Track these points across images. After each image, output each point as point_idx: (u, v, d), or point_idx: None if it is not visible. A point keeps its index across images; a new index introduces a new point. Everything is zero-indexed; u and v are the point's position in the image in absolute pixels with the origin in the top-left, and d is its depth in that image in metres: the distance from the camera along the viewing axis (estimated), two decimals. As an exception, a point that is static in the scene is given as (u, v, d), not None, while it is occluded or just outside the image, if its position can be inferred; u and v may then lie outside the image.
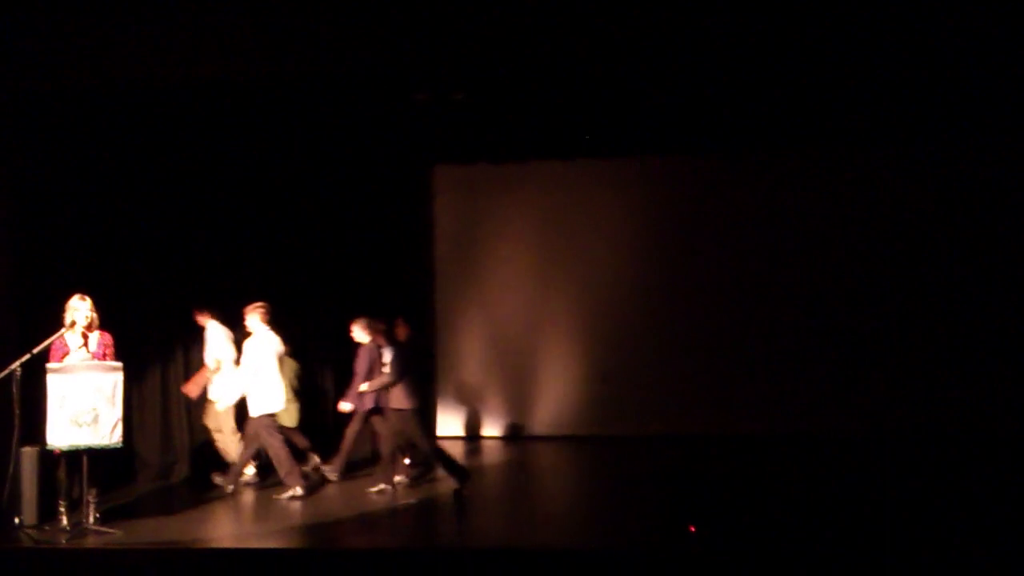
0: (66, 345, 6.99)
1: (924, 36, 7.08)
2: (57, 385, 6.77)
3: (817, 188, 10.76)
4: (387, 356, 8.22)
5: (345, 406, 8.58)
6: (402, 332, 8.73)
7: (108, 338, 7.13)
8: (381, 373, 8.23)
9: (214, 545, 6.94)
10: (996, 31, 6.97)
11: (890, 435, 10.09)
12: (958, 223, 10.46)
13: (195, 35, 7.22)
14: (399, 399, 8.18)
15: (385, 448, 8.46)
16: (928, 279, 10.49)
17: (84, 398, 6.79)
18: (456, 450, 10.59)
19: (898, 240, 10.62)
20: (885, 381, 10.46)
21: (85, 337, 7.02)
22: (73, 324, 6.98)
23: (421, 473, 8.82)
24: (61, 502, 7.06)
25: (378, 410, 8.59)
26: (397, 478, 8.42)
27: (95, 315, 7.08)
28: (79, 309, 7.01)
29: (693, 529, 6.54)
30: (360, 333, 8.48)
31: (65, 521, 6.98)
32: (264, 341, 8.33)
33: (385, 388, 8.25)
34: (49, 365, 6.84)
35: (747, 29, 7.07)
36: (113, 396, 6.88)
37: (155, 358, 9.29)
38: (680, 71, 8.10)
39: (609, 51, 7.54)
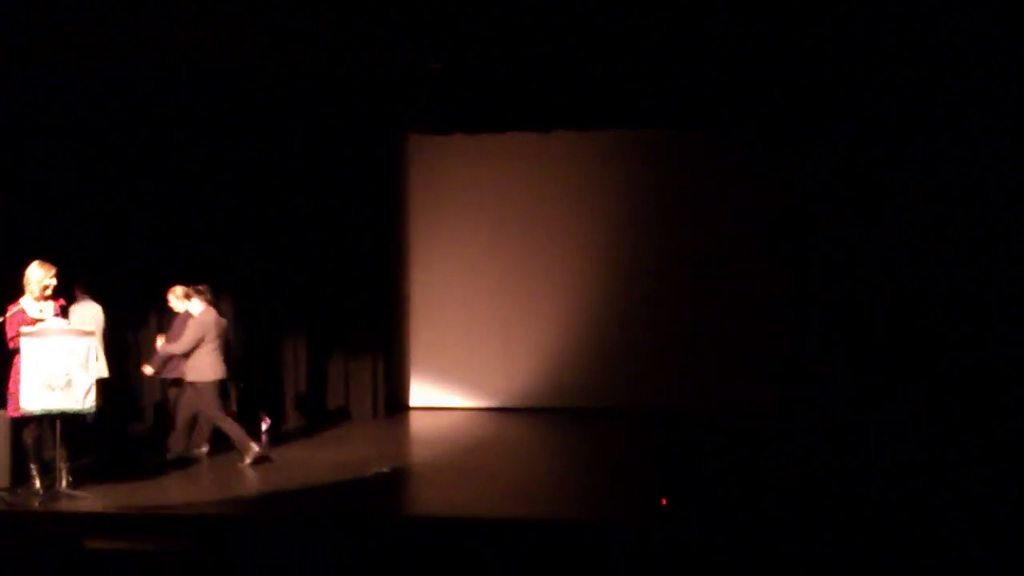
0: (24, 314, 6.92)
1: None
2: (31, 349, 6.73)
3: (805, 165, 10.75)
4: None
5: (147, 370, 8.58)
6: (200, 300, 8.31)
7: (60, 303, 7.11)
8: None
9: (185, 510, 6.94)
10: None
11: (881, 419, 10.09)
12: (957, 211, 10.43)
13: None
14: (197, 370, 8.07)
15: (181, 416, 8.42)
16: (926, 262, 10.49)
17: (58, 363, 6.76)
18: (430, 421, 10.69)
19: (896, 222, 10.61)
20: (877, 365, 10.50)
21: (43, 304, 6.95)
22: (37, 291, 6.93)
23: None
24: (33, 466, 7.03)
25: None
26: (200, 449, 8.40)
27: (53, 282, 7.00)
28: (37, 276, 6.96)
29: (664, 502, 6.62)
30: (176, 302, 8.39)
31: (38, 484, 6.96)
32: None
33: (178, 356, 8.15)
34: (23, 329, 6.79)
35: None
36: (87, 361, 6.86)
37: (128, 321, 9.23)
38: (663, 44, 8.10)
39: (590, 21, 7.55)
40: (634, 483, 7.66)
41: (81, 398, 6.84)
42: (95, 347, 6.98)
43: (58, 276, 7.03)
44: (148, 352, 9.27)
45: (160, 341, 8.48)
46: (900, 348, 10.49)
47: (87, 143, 8.87)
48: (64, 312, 7.13)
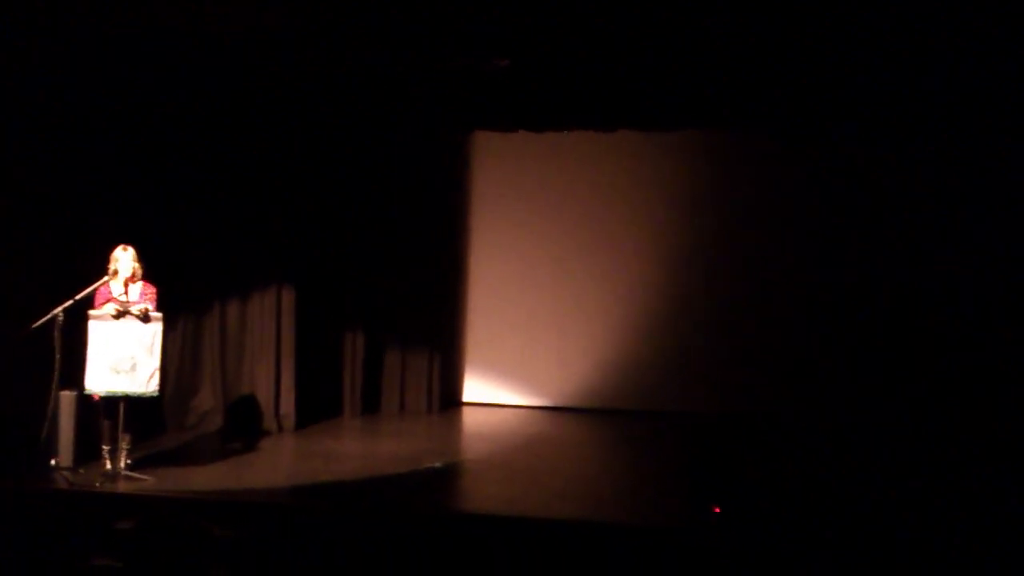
0: (109, 293, 7.12)
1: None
2: (98, 332, 6.92)
3: (860, 171, 10.65)
4: None
5: None
6: None
7: (151, 288, 7.26)
8: None
9: (239, 496, 7.04)
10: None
11: (880, 419, 10.04)
12: (957, 211, 10.29)
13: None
14: None
15: None
16: (946, 266, 10.36)
17: (124, 346, 6.94)
18: (483, 418, 10.73)
19: (896, 222, 10.51)
20: (880, 364, 10.40)
21: (127, 287, 7.15)
22: (115, 273, 7.13)
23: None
24: (104, 447, 7.22)
25: None
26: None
27: (138, 265, 7.21)
28: (120, 260, 7.16)
29: (718, 510, 6.57)
30: None
31: (109, 465, 7.15)
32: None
33: None
34: (91, 312, 6.98)
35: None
36: (152, 346, 7.03)
37: (191, 310, 9.41)
38: (729, 44, 8.03)
39: (658, 21, 7.51)
40: (684, 488, 7.62)
41: (145, 381, 7.01)
42: (160, 332, 7.13)
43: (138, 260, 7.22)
44: (212, 342, 9.49)
45: None
46: (902, 348, 10.35)
47: (143, 135, 9.01)
48: (154, 297, 7.27)
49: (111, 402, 7.09)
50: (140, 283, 7.23)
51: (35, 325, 6.84)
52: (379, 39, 8.03)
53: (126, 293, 7.13)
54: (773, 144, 10.57)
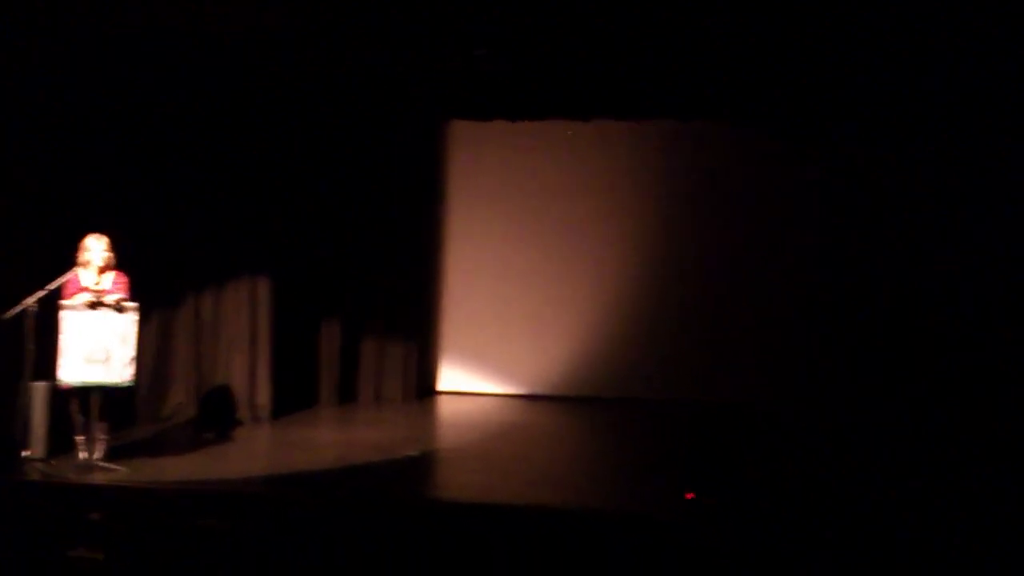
0: (80, 283, 7.05)
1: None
2: (72, 322, 6.85)
3: (840, 161, 10.71)
4: None
5: None
6: None
7: (123, 278, 7.19)
8: None
9: (212, 486, 7.03)
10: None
11: (880, 419, 10.09)
12: (958, 211, 10.39)
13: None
14: None
15: None
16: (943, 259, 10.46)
17: (98, 336, 6.86)
18: (459, 406, 10.74)
19: (897, 222, 10.58)
20: (882, 364, 10.48)
21: (100, 277, 7.08)
22: (87, 263, 7.05)
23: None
24: (78, 438, 7.16)
25: None
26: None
27: (111, 255, 7.14)
28: (92, 249, 7.08)
29: (690, 496, 6.62)
30: None
31: (82, 456, 7.09)
32: None
33: None
34: (64, 302, 6.90)
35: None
36: (126, 336, 6.96)
37: (165, 300, 9.34)
38: (702, 33, 8.04)
39: (633, 9, 7.51)
40: (659, 474, 7.67)
41: (119, 372, 6.95)
42: (135, 322, 7.08)
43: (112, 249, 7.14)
44: (186, 332, 9.44)
45: None
46: (902, 348, 10.44)
47: (119, 128, 8.92)
48: (126, 287, 7.20)
49: (85, 392, 7.04)
50: (112, 272, 7.16)
51: (6, 316, 6.77)
52: (355, 30, 8.00)
53: (99, 283, 7.07)
54: (754, 133, 10.63)
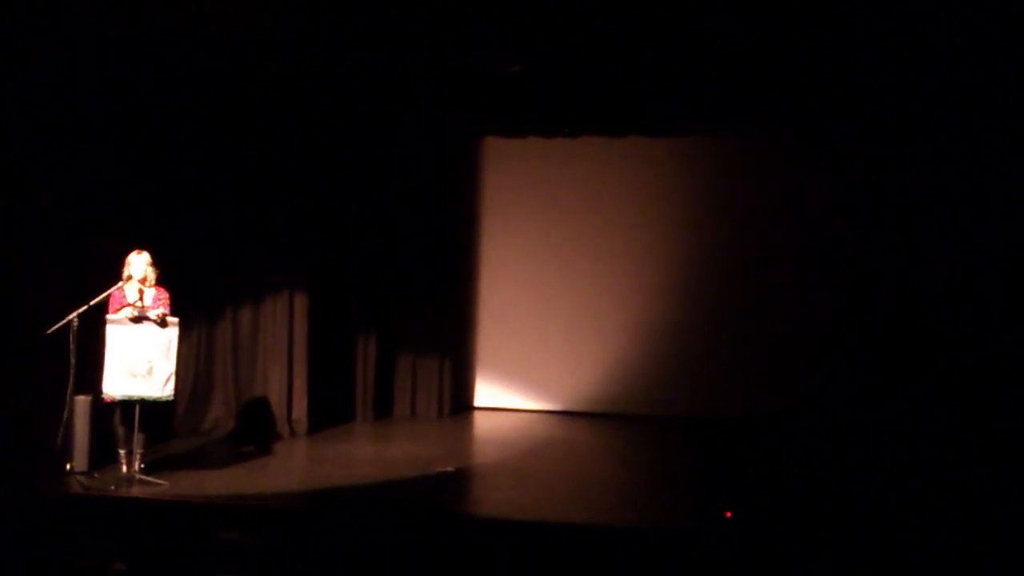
0: (124, 298, 7.18)
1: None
2: (115, 336, 6.98)
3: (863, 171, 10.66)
4: None
5: None
6: None
7: (164, 293, 7.31)
8: None
9: (252, 500, 7.08)
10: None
11: (880, 419, 10.06)
12: (958, 211, 10.28)
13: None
14: None
15: None
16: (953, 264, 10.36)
17: (141, 351, 6.99)
18: (494, 422, 10.76)
19: (897, 222, 10.51)
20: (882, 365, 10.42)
21: (141, 292, 7.21)
22: (130, 278, 7.19)
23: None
24: (120, 451, 7.28)
25: None
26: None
27: (152, 270, 7.27)
28: (134, 264, 7.21)
29: (729, 514, 6.59)
30: None
31: (125, 469, 7.22)
32: None
33: None
34: (109, 316, 7.04)
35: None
36: (168, 350, 7.08)
37: (204, 315, 9.47)
38: (733, 47, 8.05)
39: (668, 26, 7.55)
40: (694, 492, 7.64)
41: (161, 385, 7.06)
42: (176, 337, 7.19)
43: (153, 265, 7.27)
44: (225, 346, 9.56)
45: None
46: (902, 348, 10.34)
47: (154, 138, 9.03)
48: (167, 302, 7.31)
49: (127, 406, 7.15)
50: (154, 288, 7.28)
51: (50, 331, 6.90)
52: (395, 45, 8.08)
53: (141, 298, 7.19)
54: (778, 150, 10.60)
